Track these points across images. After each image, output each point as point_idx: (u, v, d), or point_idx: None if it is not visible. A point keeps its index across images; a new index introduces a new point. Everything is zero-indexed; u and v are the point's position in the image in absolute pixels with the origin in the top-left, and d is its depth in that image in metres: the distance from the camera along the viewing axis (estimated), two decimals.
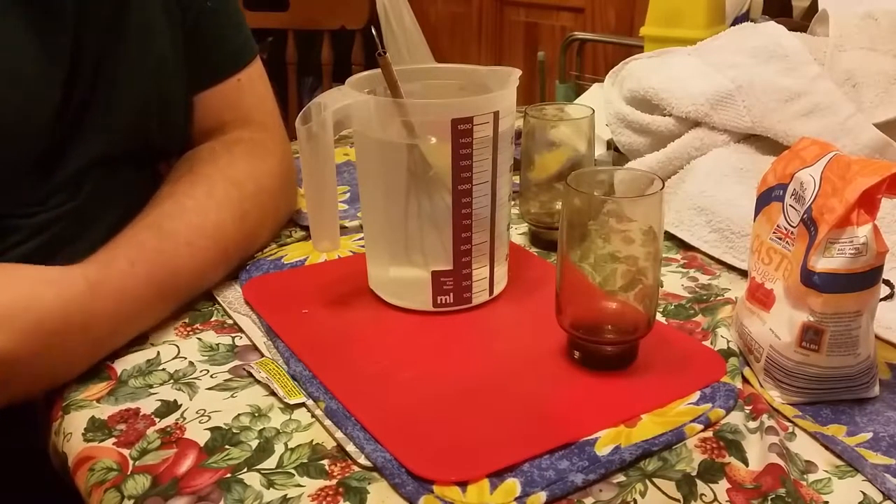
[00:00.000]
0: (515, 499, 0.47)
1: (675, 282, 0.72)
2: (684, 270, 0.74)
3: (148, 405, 0.56)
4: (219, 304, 0.68)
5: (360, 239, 0.77)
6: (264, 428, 0.53)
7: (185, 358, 0.61)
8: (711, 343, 0.61)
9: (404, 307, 0.65)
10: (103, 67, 0.66)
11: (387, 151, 0.63)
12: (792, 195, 0.56)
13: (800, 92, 0.79)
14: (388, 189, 0.63)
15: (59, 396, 0.58)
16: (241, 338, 0.63)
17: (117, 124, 0.68)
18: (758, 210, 0.59)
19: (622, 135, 0.87)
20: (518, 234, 0.80)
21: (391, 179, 0.63)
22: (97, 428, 0.54)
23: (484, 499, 0.47)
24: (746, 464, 0.50)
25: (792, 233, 0.55)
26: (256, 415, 0.55)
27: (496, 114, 0.60)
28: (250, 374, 0.59)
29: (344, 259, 0.75)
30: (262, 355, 0.61)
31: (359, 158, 0.67)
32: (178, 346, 0.62)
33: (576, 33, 1.57)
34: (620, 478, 0.49)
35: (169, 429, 0.53)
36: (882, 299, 0.63)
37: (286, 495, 0.48)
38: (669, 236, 0.78)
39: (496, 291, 0.67)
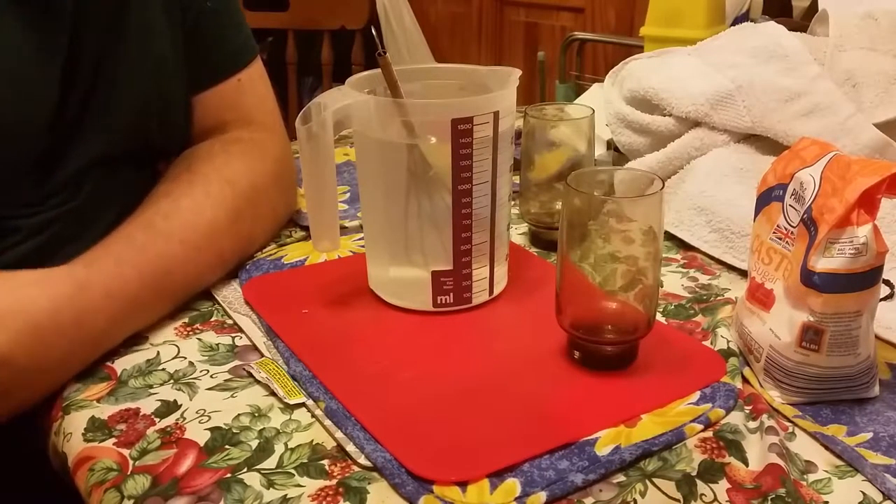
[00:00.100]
0: (515, 499, 0.47)
1: (675, 282, 0.72)
2: (684, 270, 0.74)
3: (148, 405, 0.56)
4: (219, 304, 0.68)
5: (360, 239, 0.77)
6: (264, 428, 0.53)
7: (185, 358, 0.61)
8: (711, 343, 0.61)
9: (404, 307, 0.65)
10: (103, 67, 0.66)
11: (387, 151, 0.63)
12: (792, 195, 0.56)
13: (800, 92, 0.79)
14: (388, 189, 0.63)
15: (59, 396, 0.58)
16: (241, 338, 0.63)
17: (117, 124, 0.68)
18: (758, 210, 0.59)
19: (622, 135, 0.87)
20: (518, 234, 0.80)
21: (391, 179, 0.63)
22: (97, 428, 0.54)
23: (484, 499, 0.47)
24: (746, 464, 0.50)
25: (792, 233, 0.55)
26: (256, 415, 0.55)
27: (496, 114, 0.60)
28: (250, 374, 0.59)
29: (344, 259, 0.75)
30: (262, 355, 0.61)
31: (359, 158, 0.67)
32: (177, 346, 0.62)
33: (576, 33, 1.57)
34: (620, 478, 0.49)
35: (169, 429, 0.53)
36: (882, 299, 0.63)
37: (286, 495, 0.48)
38: (669, 236, 0.78)
39: (496, 291, 0.67)
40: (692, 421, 0.53)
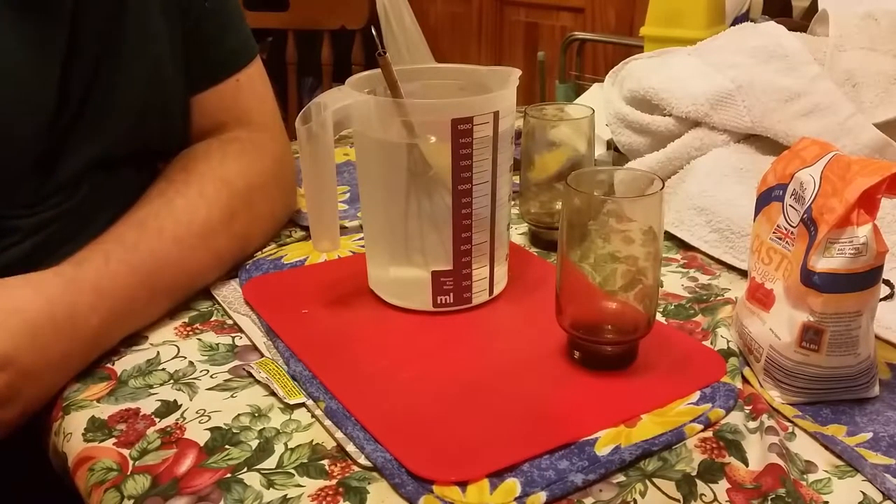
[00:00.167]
0: (515, 499, 0.47)
1: (675, 282, 0.72)
2: (684, 270, 0.74)
3: (148, 405, 0.56)
4: (219, 304, 0.68)
5: (360, 239, 0.77)
6: (264, 428, 0.53)
7: (185, 358, 0.61)
8: (711, 343, 0.61)
9: (404, 307, 0.65)
10: (101, 69, 0.66)
11: (387, 151, 0.63)
12: (792, 195, 0.56)
13: (800, 92, 0.79)
14: (388, 189, 0.63)
15: (59, 396, 0.58)
16: (241, 338, 0.63)
17: (116, 126, 0.68)
18: (758, 210, 0.59)
19: (622, 135, 0.87)
20: (518, 234, 0.80)
21: (391, 179, 0.63)
22: (97, 428, 0.54)
23: (484, 499, 0.47)
24: (746, 464, 0.50)
25: (792, 233, 0.55)
26: (256, 415, 0.55)
27: (496, 114, 0.60)
28: (250, 374, 0.59)
29: (344, 259, 0.75)
30: (262, 355, 0.61)
31: (359, 158, 0.67)
32: (177, 346, 0.62)
33: (576, 33, 1.57)
34: (620, 478, 0.49)
35: (169, 429, 0.53)
36: (882, 299, 0.63)
37: (286, 495, 0.48)
38: (669, 236, 0.78)
39: (496, 291, 0.67)
40: (692, 421, 0.53)
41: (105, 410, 0.55)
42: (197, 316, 0.66)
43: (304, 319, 0.64)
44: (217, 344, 0.63)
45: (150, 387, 0.58)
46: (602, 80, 0.96)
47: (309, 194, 0.64)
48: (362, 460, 0.50)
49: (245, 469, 0.50)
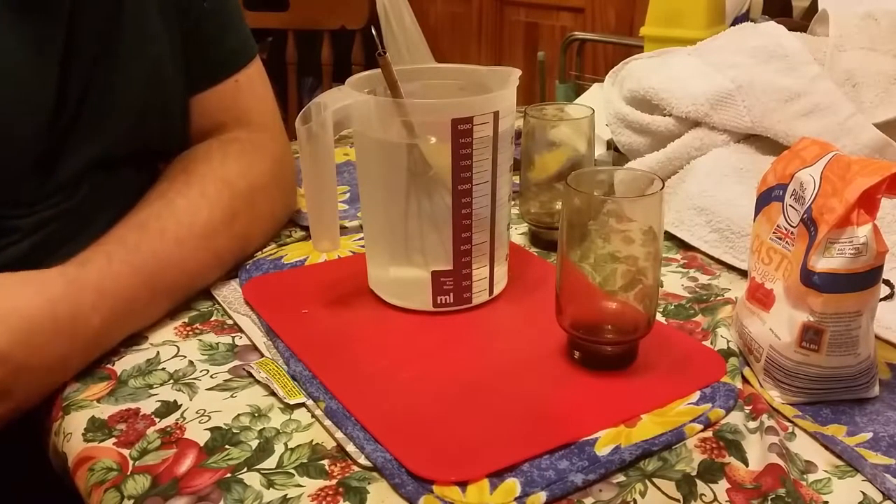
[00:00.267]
0: (515, 499, 0.47)
1: (675, 282, 0.72)
2: (684, 270, 0.74)
3: (148, 405, 0.56)
4: (219, 304, 0.68)
5: (360, 239, 0.77)
6: (264, 428, 0.53)
7: (185, 358, 0.61)
8: (711, 343, 0.61)
9: (404, 307, 0.65)
10: (99, 69, 0.66)
11: (387, 151, 0.63)
12: (792, 195, 0.56)
13: (800, 92, 0.79)
14: (388, 189, 0.63)
15: (58, 396, 0.58)
16: (241, 338, 0.63)
17: (115, 126, 0.68)
18: (758, 210, 0.59)
19: (622, 135, 0.87)
20: (518, 234, 0.80)
21: (391, 179, 0.63)
22: (97, 428, 0.54)
23: (484, 499, 0.47)
24: (746, 464, 0.50)
25: (792, 233, 0.55)
26: (256, 415, 0.55)
27: (496, 114, 0.60)
28: (250, 374, 0.59)
29: (344, 259, 0.75)
30: (262, 355, 0.61)
31: (359, 158, 0.67)
32: (177, 346, 0.62)
33: (576, 33, 1.57)
34: (620, 478, 0.49)
35: (169, 429, 0.53)
36: (882, 299, 0.63)
37: (286, 495, 0.48)
38: (669, 236, 0.78)
39: (496, 291, 0.67)
40: (692, 421, 0.53)
41: (105, 410, 0.55)
42: (197, 316, 0.66)
43: (304, 319, 0.64)
44: (217, 344, 0.63)
45: (150, 387, 0.58)
46: (602, 80, 0.96)
47: (309, 194, 0.64)
48: (362, 460, 0.50)
49: (245, 469, 0.50)
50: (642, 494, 0.48)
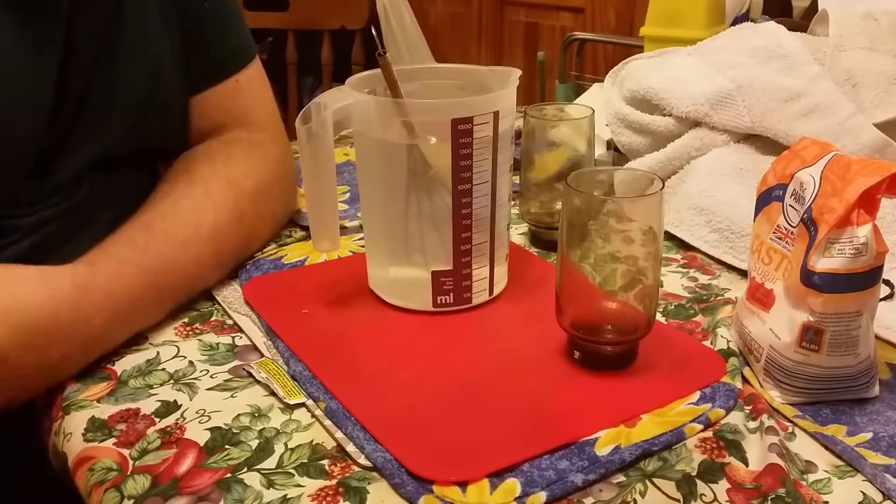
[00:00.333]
0: (515, 499, 0.47)
1: (675, 282, 0.72)
2: (684, 270, 0.74)
3: (148, 405, 0.56)
4: (219, 304, 0.68)
5: (360, 239, 0.77)
6: (264, 428, 0.53)
7: (185, 358, 0.61)
8: (711, 343, 0.61)
9: (404, 307, 0.65)
10: (98, 69, 0.66)
11: (387, 151, 0.63)
12: (792, 195, 0.56)
13: (800, 92, 0.79)
14: (388, 189, 0.63)
15: (58, 396, 0.58)
16: (241, 338, 0.63)
17: (114, 126, 0.68)
18: (758, 210, 0.59)
19: (622, 135, 0.87)
20: (518, 234, 0.80)
21: (391, 179, 0.63)
22: (97, 428, 0.54)
23: (484, 499, 0.47)
24: (746, 464, 0.50)
25: (792, 233, 0.55)
26: (256, 415, 0.55)
27: (496, 114, 0.60)
28: (250, 374, 0.59)
29: (344, 259, 0.75)
30: (262, 355, 0.61)
31: (359, 158, 0.67)
32: (177, 347, 0.62)
33: (576, 33, 1.57)
34: (620, 478, 0.49)
35: (169, 429, 0.53)
36: (882, 299, 0.63)
37: (286, 495, 0.48)
38: (669, 236, 0.78)
39: (496, 291, 0.67)
40: (692, 421, 0.53)
41: (105, 410, 0.55)
42: (197, 316, 0.66)
43: (304, 319, 0.64)
44: (217, 344, 0.63)
45: (150, 387, 0.58)
46: (602, 80, 0.96)
47: (309, 194, 0.64)
48: (362, 460, 0.50)
49: (245, 469, 0.50)
50: (642, 494, 0.48)
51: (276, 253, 0.75)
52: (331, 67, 1.88)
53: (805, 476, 0.49)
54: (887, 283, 0.67)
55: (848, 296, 0.52)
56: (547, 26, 2.44)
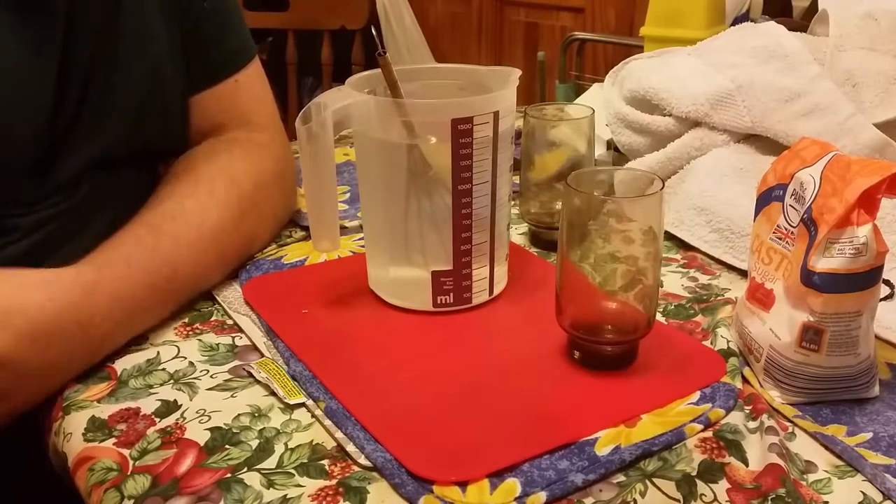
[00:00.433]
0: (515, 499, 0.47)
1: (675, 282, 0.72)
2: (684, 270, 0.74)
3: (148, 405, 0.56)
4: (219, 304, 0.68)
5: (360, 239, 0.77)
6: (264, 428, 0.53)
7: (185, 358, 0.61)
8: (711, 343, 0.61)
9: (404, 307, 0.65)
10: (97, 69, 0.66)
11: (387, 151, 0.63)
12: (792, 195, 0.56)
13: (800, 92, 0.79)
14: (388, 189, 0.63)
15: (59, 396, 0.58)
16: (241, 338, 0.63)
17: (115, 126, 0.68)
18: (758, 210, 0.59)
19: (622, 135, 0.87)
20: (518, 234, 0.80)
21: (391, 179, 0.63)
22: (97, 428, 0.54)
23: (484, 499, 0.47)
24: (746, 464, 0.50)
25: (792, 233, 0.55)
26: (256, 415, 0.55)
27: (496, 114, 0.60)
28: (250, 374, 0.59)
29: (344, 259, 0.75)
30: (262, 355, 0.61)
31: (359, 158, 0.67)
32: (178, 347, 0.62)
33: (576, 33, 1.57)
34: (620, 478, 0.49)
35: (169, 429, 0.53)
36: (882, 299, 0.63)
37: (286, 495, 0.48)
38: (669, 236, 0.78)
39: (496, 291, 0.67)
40: (692, 421, 0.53)
41: (105, 410, 0.55)
42: (197, 316, 0.66)
43: (304, 319, 0.64)
44: (217, 344, 0.63)
45: (151, 387, 0.58)
46: (602, 80, 0.96)
47: (309, 194, 0.64)
48: (362, 460, 0.50)
49: (245, 469, 0.50)
50: (642, 494, 0.48)
51: (276, 253, 0.75)
52: (331, 67, 1.88)
53: (805, 476, 0.49)
54: (887, 283, 0.67)
55: (848, 296, 0.52)
56: (547, 26, 2.44)
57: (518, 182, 0.78)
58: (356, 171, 0.72)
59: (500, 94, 0.61)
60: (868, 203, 0.51)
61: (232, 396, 0.56)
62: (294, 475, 0.49)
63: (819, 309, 0.52)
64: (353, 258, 0.74)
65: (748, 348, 0.59)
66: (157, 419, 0.54)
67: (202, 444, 0.52)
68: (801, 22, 1.03)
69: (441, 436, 0.52)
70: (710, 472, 0.49)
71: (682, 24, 1.03)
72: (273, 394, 0.56)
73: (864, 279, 0.52)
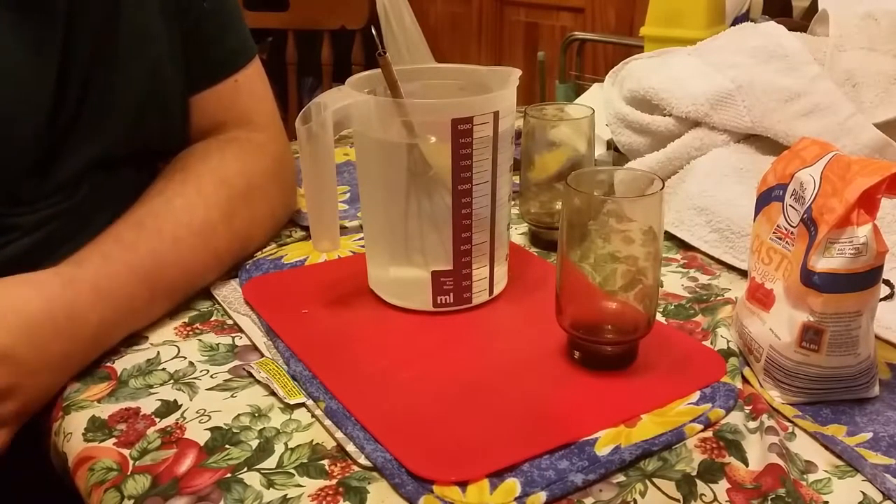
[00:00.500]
0: (515, 499, 0.47)
1: (675, 282, 0.72)
2: (684, 270, 0.74)
3: (148, 405, 0.56)
4: (219, 304, 0.68)
5: (360, 239, 0.77)
6: (264, 428, 0.53)
7: (185, 358, 0.61)
8: (711, 343, 0.61)
9: (404, 307, 0.65)
10: (97, 69, 0.66)
11: (387, 151, 0.63)
12: (792, 195, 0.56)
13: (800, 92, 0.79)
14: (388, 189, 0.63)
15: (59, 396, 0.58)
16: (241, 338, 0.63)
17: (115, 126, 0.68)
18: (758, 210, 0.59)
19: (622, 135, 0.87)
20: (518, 234, 0.80)
21: (391, 179, 0.63)
22: (97, 428, 0.54)
23: (484, 499, 0.47)
24: (746, 464, 0.50)
25: (792, 233, 0.55)
26: (256, 415, 0.55)
27: (496, 114, 0.60)
28: (250, 374, 0.59)
29: (344, 259, 0.75)
30: (262, 355, 0.61)
31: (359, 158, 0.67)
32: (178, 347, 0.62)
33: (576, 33, 1.57)
34: (620, 478, 0.49)
35: (169, 429, 0.53)
36: (882, 299, 0.63)
37: (286, 495, 0.48)
38: (669, 236, 0.78)
39: (496, 291, 0.67)
40: (692, 421, 0.53)
41: (105, 410, 0.55)
42: (197, 316, 0.66)
43: (304, 319, 0.64)
44: (217, 344, 0.63)
45: (151, 387, 0.58)
46: (602, 80, 0.96)
47: (309, 194, 0.64)
48: (362, 460, 0.50)
49: (245, 469, 0.50)
50: (642, 494, 0.48)
51: (276, 253, 0.75)
52: (331, 67, 1.88)
53: (805, 476, 0.49)
54: (887, 283, 0.67)
55: (848, 296, 0.52)
56: (547, 26, 2.44)
57: (518, 182, 0.78)
58: (356, 171, 0.72)
59: (500, 94, 0.61)
60: (868, 203, 0.51)
61: (232, 396, 0.56)
62: (294, 475, 0.49)
63: (819, 309, 0.52)
64: (353, 258, 0.74)
65: (748, 348, 0.59)
66: (157, 419, 0.54)
67: (202, 444, 0.52)
68: (801, 22, 1.03)
69: (441, 436, 0.52)
70: (710, 472, 0.49)
71: (682, 24, 1.03)
72: (273, 394, 0.56)
73: (864, 279, 0.52)
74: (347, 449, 0.51)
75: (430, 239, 0.63)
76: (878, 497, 0.47)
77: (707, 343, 0.61)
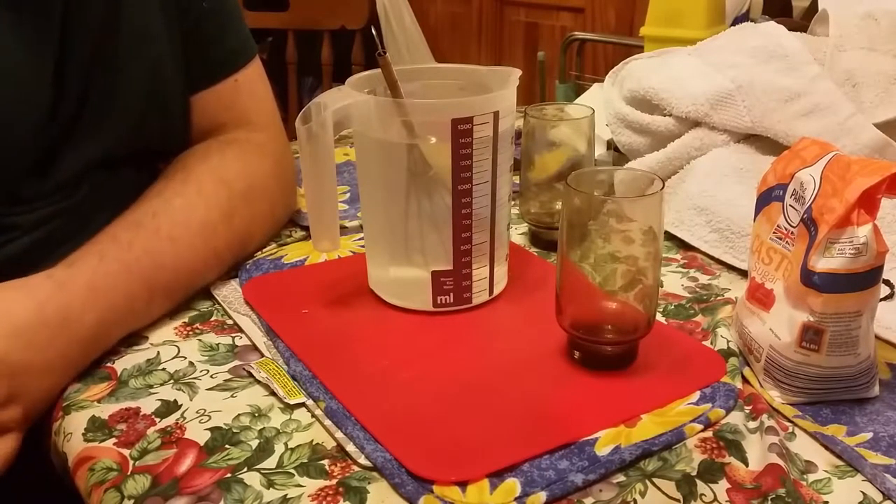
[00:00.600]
0: (515, 499, 0.47)
1: (675, 282, 0.72)
2: (684, 270, 0.74)
3: (148, 405, 0.56)
4: (219, 304, 0.68)
5: (360, 239, 0.77)
6: (264, 428, 0.53)
7: (185, 358, 0.61)
8: (711, 343, 0.61)
9: (404, 307, 0.65)
10: (97, 70, 0.66)
11: (387, 151, 0.63)
12: (792, 195, 0.56)
13: (800, 92, 0.79)
14: (388, 189, 0.63)
15: (59, 396, 0.58)
16: (241, 338, 0.64)
17: (115, 126, 0.68)
18: (758, 210, 0.59)
19: (622, 135, 0.87)
20: (518, 234, 0.80)
21: (391, 179, 0.63)
22: (97, 428, 0.54)
23: (484, 499, 0.47)
24: (746, 464, 0.50)
25: (792, 233, 0.55)
26: (256, 415, 0.55)
27: (496, 114, 0.60)
28: (250, 374, 0.59)
29: (344, 259, 0.75)
30: (262, 355, 0.61)
31: (359, 158, 0.67)
32: (178, 347, 0.62)
33: (576, 33, 1.57)
34: (620, 478, 0.49)
35: (169, 429, 0.53)
36: (882, 299, 0.63)
37: (286, 495, 0.48)
38: (669, 236, 0.78)
39: (496, 291, 0.67)
40: (692, 421, 0.53)
41: (105, 410, 0.55)
42: (197, 316, 0.66)
43: (304, 319, 0.64)
44: (217, 344, 0.63)
45: (151, 387, 0.58)
46: (602, 80, 0.96)
47: (309, 194, 0.64)
48: (362, 460, 0.50)
49: (245, 469, 0.50)
50: (642, 494, 0.48)
51: (276, 253, 0.75)
52: (331, 67, 1.88)
53: (805, 476, 0.49)
54: (887, 283, 0.67)
55: (848, 296, 0.52)
56: (547, 26, 2.44)
57: (518, 182, 0.78)
58: (356, 171, 0.72)
59: (500, 94, 0.61)
60: (868, 203, 0.51)
61: (232, 396, 0.56)
62: (294, 475, 0.49)
63: (819, 309, 0.52)
64: (353, 258, 0.74)
65: (748, 348, 0.59)
66: (157, 419, 0.54)
67: (202, 444, 0.52)
68: (801, 22, 1.03)
69: (441, 436, 0.52)
70: (710, 472, 0.49)
71: (682, 24, 1.03)
72: (273, 394, 0.56)
73: (864, 279, 0.52)
74: (347, 449, 0.51)
75: (430, 239, 0.63)
76: (878, 497, 0.47)
77: (707, 343, 0.61)
